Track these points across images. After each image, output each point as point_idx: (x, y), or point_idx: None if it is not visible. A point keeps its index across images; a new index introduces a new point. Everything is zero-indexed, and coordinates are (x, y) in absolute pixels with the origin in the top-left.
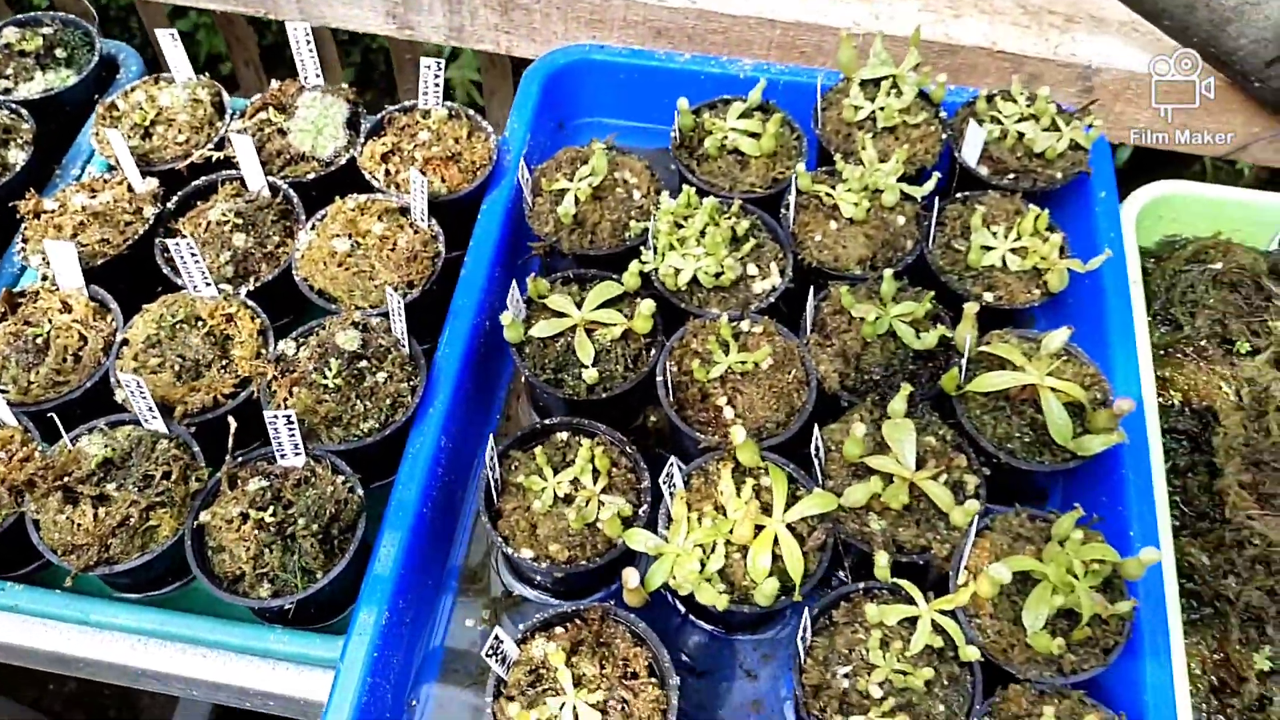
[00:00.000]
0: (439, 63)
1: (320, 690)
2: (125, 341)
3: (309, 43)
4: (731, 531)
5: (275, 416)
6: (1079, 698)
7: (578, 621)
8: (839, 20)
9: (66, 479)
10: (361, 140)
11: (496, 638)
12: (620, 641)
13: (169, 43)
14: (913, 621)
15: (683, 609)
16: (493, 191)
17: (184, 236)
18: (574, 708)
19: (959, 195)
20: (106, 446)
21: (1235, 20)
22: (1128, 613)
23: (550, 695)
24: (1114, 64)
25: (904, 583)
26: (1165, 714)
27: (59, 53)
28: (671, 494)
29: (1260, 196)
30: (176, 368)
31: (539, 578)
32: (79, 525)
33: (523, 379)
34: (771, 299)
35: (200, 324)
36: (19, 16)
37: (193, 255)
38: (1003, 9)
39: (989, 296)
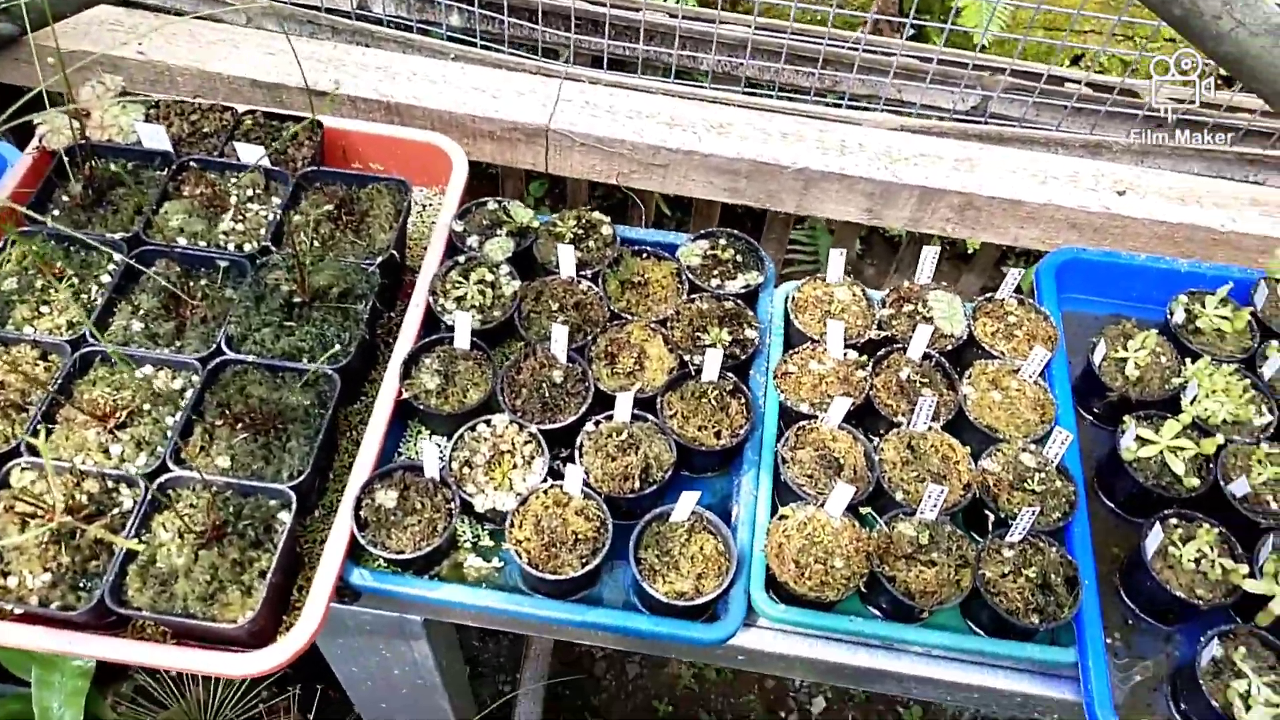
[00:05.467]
0: (1018, 272)
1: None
2: None
3: (933, 260)
4: None
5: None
6: None
7: None
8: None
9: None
10: (970, 321)
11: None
12: None
13: (835, 257)
14: None
15: None
16: (1056, 356)
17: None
18: None
19: None
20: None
21: None
22: None
23: None
24: None
25: None
26: None
27: (741, 260)
28: None
29: None
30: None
31: None
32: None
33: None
34: (1270, 430)
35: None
36: (709, 230)
37: (889, 399)
38: None
39: None
